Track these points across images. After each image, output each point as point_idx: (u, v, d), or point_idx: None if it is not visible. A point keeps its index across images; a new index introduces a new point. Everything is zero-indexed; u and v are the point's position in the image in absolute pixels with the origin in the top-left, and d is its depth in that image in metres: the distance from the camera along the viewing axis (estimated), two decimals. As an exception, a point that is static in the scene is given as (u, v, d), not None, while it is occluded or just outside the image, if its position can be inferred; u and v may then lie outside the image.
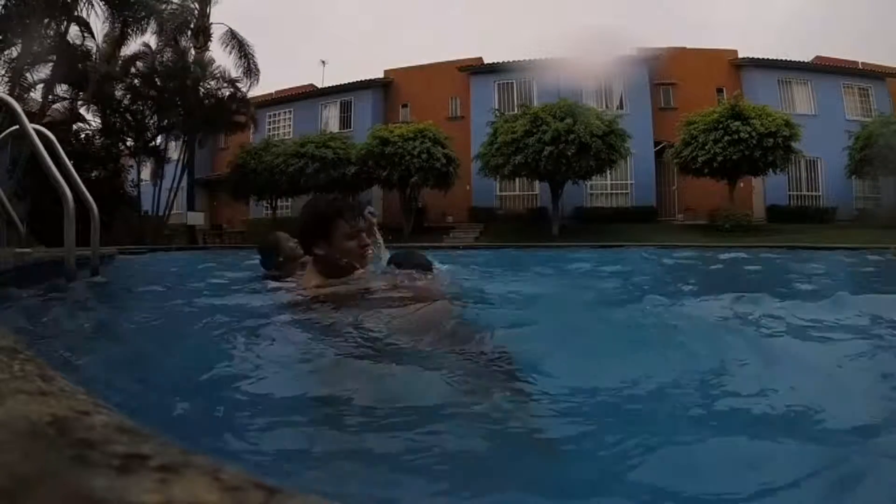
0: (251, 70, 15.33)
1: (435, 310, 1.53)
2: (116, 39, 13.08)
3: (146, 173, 15.51)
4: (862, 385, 1.01)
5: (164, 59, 14.37)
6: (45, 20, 10.87)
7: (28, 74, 11.40)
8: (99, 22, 12.28)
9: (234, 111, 15.73)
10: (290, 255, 2.93)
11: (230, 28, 15.29)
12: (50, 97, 12.17)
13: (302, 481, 0.65)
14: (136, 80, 14.26)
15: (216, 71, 15.20)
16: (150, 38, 14.21)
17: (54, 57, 11.49)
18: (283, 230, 3.46)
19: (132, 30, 13.27)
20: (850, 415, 0.82)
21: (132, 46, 13.88)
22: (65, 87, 13.03)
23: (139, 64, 14.26)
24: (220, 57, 15.65)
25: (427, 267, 2.10)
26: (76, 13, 11.46)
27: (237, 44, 15.24)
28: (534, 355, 1.12)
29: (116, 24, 12.74)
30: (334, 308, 1.65)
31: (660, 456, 0.69)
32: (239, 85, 15.49)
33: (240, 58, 15.23)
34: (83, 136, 13.28)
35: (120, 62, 13.52)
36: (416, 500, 0.62)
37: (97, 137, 13.57)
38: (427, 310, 1.51)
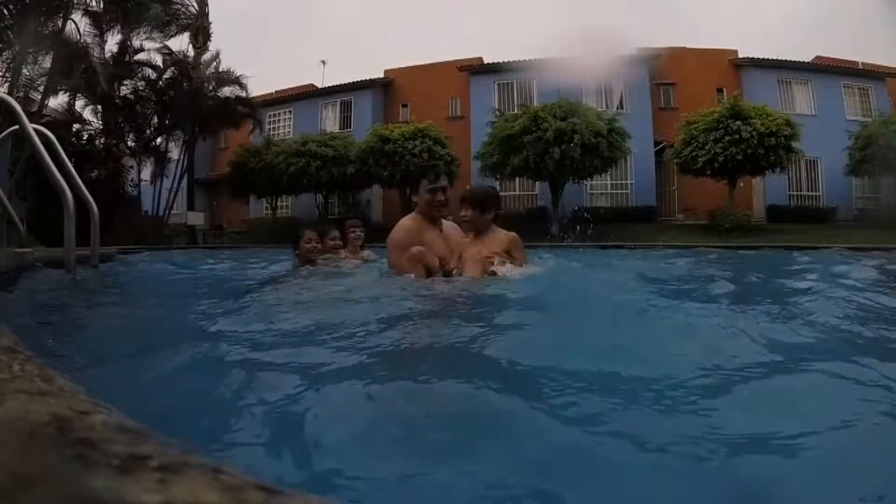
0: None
1: None
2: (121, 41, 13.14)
3: (146, 173, 15.52)
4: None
5: (167, 61, 14.39)
6: (42, 18, 10.85)
7: (25, 71, 11.38)
8: (86, 21, 12.31)
9: (238, 113, 15.76)
10: (301, 253, 3.31)
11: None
12: (49, 97, 12.17)
13: (301, 481, 0.65)
14: (139, 83, 14.27)
15: (221, 73, 15.23)
16: (150, 38, 14.28)
17: (52, 56, 11.47)
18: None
19: (132, 28, 13.30)
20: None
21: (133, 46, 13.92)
22: (65, 86, 13.04)
23: (142, 69, 14.28)
24: (224, 55, 15.72)
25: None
26: (74, 8, 11.46)
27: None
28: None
29: (115, 24, 12.76)
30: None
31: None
32: (244, 82, 15.52)
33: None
34: (85, 136, 13.27)
35: (117, 62, 13.51)
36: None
37: (99, 137, 13.57)
38: None
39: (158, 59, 14.56)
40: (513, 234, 2.59)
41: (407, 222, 2.67)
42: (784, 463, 0.69)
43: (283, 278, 3.16)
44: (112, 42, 13.25)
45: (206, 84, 14.62)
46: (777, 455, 0.71)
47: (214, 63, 15.12)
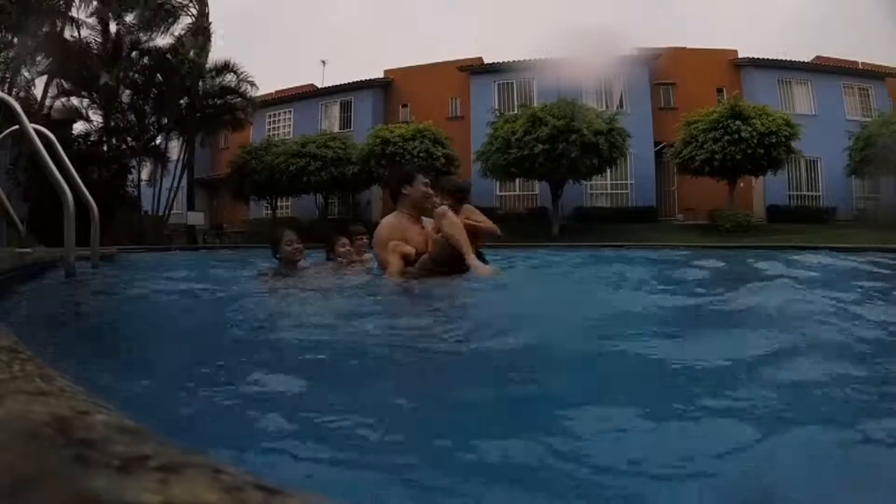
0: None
1: None
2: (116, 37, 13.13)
3: (146, 173, 15.49)
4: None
5: (166, 55, 14.34)
6: (40, 18, 10.83)
7: (25, 73, 11.38)
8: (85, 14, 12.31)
9: (236, 107, 15.71)
10: (284, 256, 3.12)
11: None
12: (49, 96, 12.17)
13: (301, 481, 0.65)
14: (137, 76, 14.23)
15: (222, 69, 15.19)
16: (151, 37, 14.28)
17: (52, 55, 11.47)
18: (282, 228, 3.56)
19: (130, 26, 13.33)
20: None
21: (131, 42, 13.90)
22: (66, 85, 13.07)
23: (141, 59, 14.24)
24: (224, 55, 15.68)
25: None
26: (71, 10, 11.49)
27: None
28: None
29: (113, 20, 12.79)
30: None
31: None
32: (245, 76, 15.48)
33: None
34: (91, 139, 13.26)
35: (120, 57, 13.49)
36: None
37: (102, 139, 13.57)
38: None
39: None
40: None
41: (391, 220, 2.82)
42: (787, 464, 0.69)
43: (275, 279, 3.14)
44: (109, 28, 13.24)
45: (201, 69, 14.55)
46: (779, 456, 0.71)
47: (208, 53, 15.03)
